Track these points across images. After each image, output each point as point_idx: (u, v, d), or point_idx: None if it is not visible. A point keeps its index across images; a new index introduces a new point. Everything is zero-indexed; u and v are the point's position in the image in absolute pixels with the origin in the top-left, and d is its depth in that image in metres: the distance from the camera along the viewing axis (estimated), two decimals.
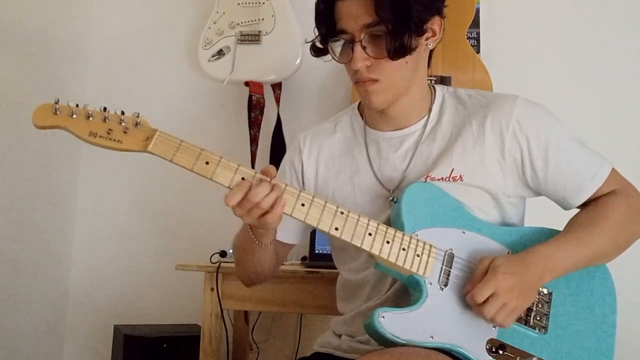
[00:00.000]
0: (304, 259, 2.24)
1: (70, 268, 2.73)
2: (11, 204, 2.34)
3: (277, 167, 2.50)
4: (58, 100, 1.21)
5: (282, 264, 1.82)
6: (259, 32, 2.51)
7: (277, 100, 2.57)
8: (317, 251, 2.21)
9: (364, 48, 1.34)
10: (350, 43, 1.36)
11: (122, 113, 1.24)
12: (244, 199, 1.24)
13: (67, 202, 2.70)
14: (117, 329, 2.40)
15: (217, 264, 2.05)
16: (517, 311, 1.28)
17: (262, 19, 2.52)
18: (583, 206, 1.44)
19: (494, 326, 1.31)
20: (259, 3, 2.53)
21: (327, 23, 1.39)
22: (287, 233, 1.56)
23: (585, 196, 1.42)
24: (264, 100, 2.55)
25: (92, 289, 2.71)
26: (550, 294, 1.37)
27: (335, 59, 1.42)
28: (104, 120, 1.22)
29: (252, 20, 2.52)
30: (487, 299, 1.25)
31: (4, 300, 2.31)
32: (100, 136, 1.22)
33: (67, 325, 2.71)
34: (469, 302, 1.28)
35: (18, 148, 2.35)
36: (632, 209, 1.42)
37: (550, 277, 1.33)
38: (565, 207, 1.47)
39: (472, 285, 1.28)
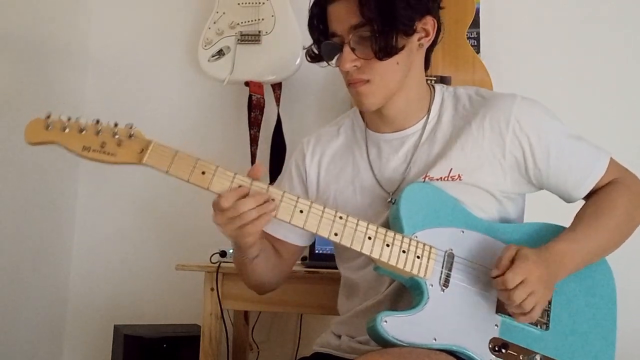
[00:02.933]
0: (304, 259, 2.24)
1: (70, 268, 2.73)
2: (11, 204, 2.34)
3: (278, 167, 2.53)
4: (50, 114, 1.19)
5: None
6: (259, 32, 2.51)
7: (277, 100, 2.57)
8: (317, 251, 2.20)
9: (352, 49, 1.35)
10: (340, 45, 1.37)
11: (115, 125, 1.22)
12: (231, 206, 1.25)
13: (67, 203, 2.70)
14: (117, 329, 2.40)
15: (217, 264, 2.05)
16: (541, 304, 1.26)
17: (262, 19, 2.52)
18: (586, 197, 1.45)
19: (495, 325, 1.32)
20: (259, 3, 2.53)
21: (320, 27, 1.41)
22: (294, 235, 1.56)
23: (587, 189, 1.43)
24: (264, 100, 2.55)
25: (92, 289, 2.71)
26: None
27: (329, 63, 1.43)
28: (97, 134, 1.21)
29: (252, 20, 2.52)
30: (517, 285, 1.24)
31: (4, 301, 2.31)
32: (94, 150, 1.20)
33: (67, 325, 2.71)
34: (497, 287, 1.26)
35: (18, 149, 2.34)
36: (633, 196, 1.44)
37: (564, 275, 1.33)
38: (568, 200, 1.48)
39: (500, 270, 1.26)
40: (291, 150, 2.53)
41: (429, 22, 1.40)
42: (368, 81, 1.37)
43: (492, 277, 1.28)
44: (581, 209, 1.45)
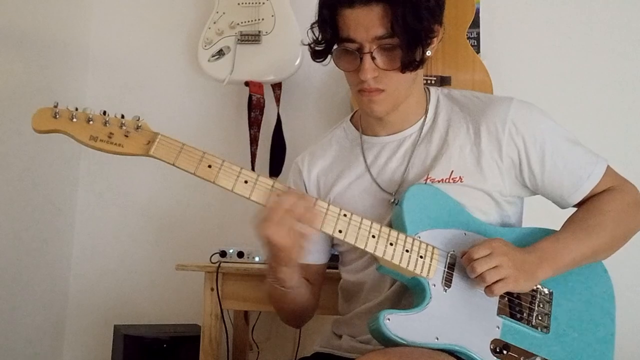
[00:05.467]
0: None
1: (70, 268, 2.72)
2: (11, 204, 2.34)
3: (278, 167, 2.53)
4: (57, 103, 1.20)
5: None
6: (259, 32, 2.51)
7: (277, 100, 2.57)
8: None
9: (373, 59, 1.33)
10: (357, 52, 1.34)
11: (122, 117, 1.23)
12: (274, 205, 1.23)
13: (67, 202, 2.70)
14: (117, 329, 2.40)
15: (217, 264, 2.05)
16: (509, 282, 1.26)
17: (262, 19, 2.52)
18: (580, 204, 1.45)
19: (497, 327, 1.32)
20: (259, 3, 2.53)
21: (333, 29, 1.37)
22: (312, 255, 1.55)
23: (581, 195, 1.44)
24: (264, 100, 2.54)
25: (92, 289, 2.70)
26: (551, 293, 1.39)
27: (338, 66, 1.40)
28: (105, 124, 1.21)
29: (252, 20, 2.52)
30: (482, 257, 1.25)
31: (4, 300, 2.31)
32: (102, 140, 1.21)
33: (67, 325, 2.71)
34: (464, 263, 1.28)
35: (18, 148, 2.34)
36: (628, 204, 1.44)
37: (549, 269, 1.33)
38: (563, 206, 1.48)
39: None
40: (291, 150, 2.53)
41: (439, 31, 1.39)
42: (383, 90, 1.36)
43: (460, 257, 1.30)
44: (573, 213, 1.46)
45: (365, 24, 1.31)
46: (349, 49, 1.35)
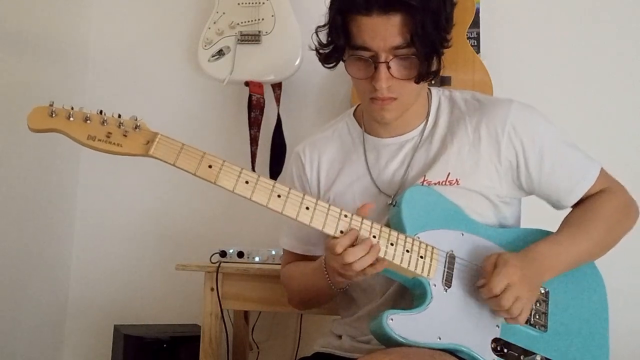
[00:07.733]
0: None
1: (70, 268, 2.72)
2: (11, 203, 2.34)
3: (278, 167, 2.53)
4: (53, 102, 1.17)
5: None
6: (259, 32, 2.51)
7: (277, 100, 2.57)
8: None
9: (388, 68, 1.31)
10: (371, 60, 1.32)
11: (119, 116, 1.21)
12: (343, 254, 1.24)
13: (67, 202, 2.70)
14: (117, 329, 2.40)
15: (217, 264, 2.05)
16: (528, 307, 1.28)
17: (262, 19, 2.52)
18: (574, 205, 1.47)
19: (497, 325, 1.33)
20: (259, 3, 2.53)
21: (345, 35, 1.34)
22: (315, 248, 1.56)
23: (576, 197, 1.45)
24: (264, 100, 2.54)
25: (92, 289, 2.71)
26: (547, 292, 1.40)
27: (350, 74, 1.38)
28: (103, 123, 1.19)
29: (252, 20, 2.52)
30: (503, 290, 1.25)
31: (4, 300, 2.31)
32: (100, 140, 1.18)
33: (67, 325, 2.71)
34: (484, 295, 1.28)
35: (18, 148, 2.34)
36: (620, 206, 1.46)
37: (549, 276, 1.35)
38: (557, 207, 1.50)
39: (485, 278, 1.28)
40: (291, 150, 2.52)
41: (451, 39, 1.37)
42: (395, 99, 1.36)
43: (478, 286, 1.30)
44: (568, 214, 1.47)
45: (383, 33, 1.28)
46: (363, 57, 1.33)
